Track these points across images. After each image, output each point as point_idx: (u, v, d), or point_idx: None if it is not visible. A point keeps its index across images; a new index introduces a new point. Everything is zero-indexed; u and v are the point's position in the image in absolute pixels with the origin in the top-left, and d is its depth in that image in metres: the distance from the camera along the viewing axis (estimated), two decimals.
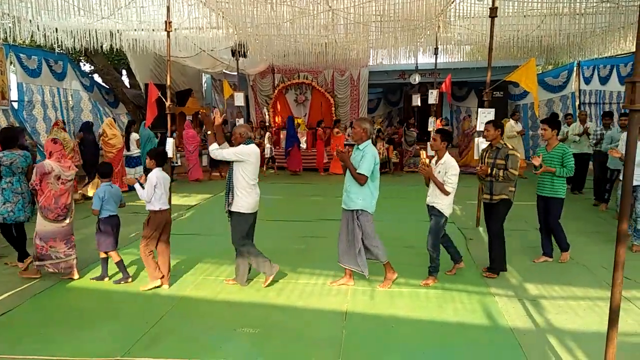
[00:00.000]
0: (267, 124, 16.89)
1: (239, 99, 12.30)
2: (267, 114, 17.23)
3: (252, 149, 5.07)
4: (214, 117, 5.15)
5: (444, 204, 5.15)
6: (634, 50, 2.75)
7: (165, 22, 7.77)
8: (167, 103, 8.11)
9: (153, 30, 9.89)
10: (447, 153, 5.22)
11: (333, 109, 17.64)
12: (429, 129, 12.45)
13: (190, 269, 5.79)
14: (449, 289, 5.11)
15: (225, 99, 13.34)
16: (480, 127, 7.47)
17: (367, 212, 5.00)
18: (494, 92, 15.68)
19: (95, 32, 9.80)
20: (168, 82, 8.32)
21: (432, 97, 11.94)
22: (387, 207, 9.23)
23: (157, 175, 5.16)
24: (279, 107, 18.21)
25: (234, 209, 5.07)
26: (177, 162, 12.01)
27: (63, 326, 4.35)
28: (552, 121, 5.89)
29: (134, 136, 11.38)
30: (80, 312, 4.66)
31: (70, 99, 12.67)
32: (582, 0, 8.32)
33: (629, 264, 5.64)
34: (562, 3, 8.65)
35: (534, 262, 5.93)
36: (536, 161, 5.80)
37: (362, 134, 4.98)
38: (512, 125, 12.65)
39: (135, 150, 11.27)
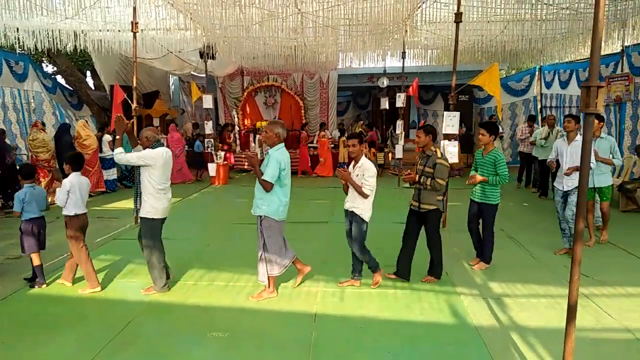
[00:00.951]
0: (237, 127, 16.80)
1: (208, 102, 12.22)
2: (236, 116, 17.13)
3: (159, 153, 4.93)
4: (128, 123, 5.18)
5: (364, 209, 5.02)
6: None
7: (132, 22, 7.70)
8: (134, 105, 8.03)
9: (119, 31, 9.76)
10: (364, 156, 5.12)
11: (302, 111, 17.66)
12: (396, 132, 12.63)
13: None
14: (417, 289, 5.20)
15: (193, 101, 13.22)
16: (445, 129, 7.63)
17: (271, 218, 4.82)
18: (460, 96, 16.01)
19: (59, 32, 9.60)
20: (134, 84, 8.22)
21: (400, 100, 12.11)
22: None
23: (72, 180, 5.10)
24: (248, 109, 18.13)
25: (141, 214, 4.99)
26: None
27: (26, 333, 4.24)
28: (490, 126, 5.70)
29: (107, 138, 11.35)
30: (45, 319, 4.55)
31: (32, 101, 12.32)
32: (543, 6, 8.60)
33: (587, 262, 5.89)
34: (525, 9, 8.94)
35: (473, 268, 5.84)
36: (474, 179, 5.71)
37: (273, 138, 4.83)
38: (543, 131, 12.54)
39: (108, 152, 11.20)
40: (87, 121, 12.00)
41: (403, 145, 12.51)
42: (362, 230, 5.09)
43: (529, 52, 12.58)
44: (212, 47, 11.45)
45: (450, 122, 7.58)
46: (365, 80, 18.48)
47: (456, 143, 7.68)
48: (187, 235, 7.63)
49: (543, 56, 13.21)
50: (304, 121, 16.75)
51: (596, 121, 6.46)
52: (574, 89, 12.99)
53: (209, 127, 12.60)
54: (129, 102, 8.05)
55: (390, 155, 14.88)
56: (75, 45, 10.26)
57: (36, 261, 5.23)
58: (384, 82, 15.43)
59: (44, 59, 16.81)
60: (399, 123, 12.46)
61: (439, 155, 5.17)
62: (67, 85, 14.96)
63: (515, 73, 18.22)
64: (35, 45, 9.66)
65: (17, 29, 9.09)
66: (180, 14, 8.93)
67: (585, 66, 12.16)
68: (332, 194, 10.92)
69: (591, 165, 5.62)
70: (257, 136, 14.46)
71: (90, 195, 5.63)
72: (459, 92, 7.79)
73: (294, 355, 3.86)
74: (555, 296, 4.98)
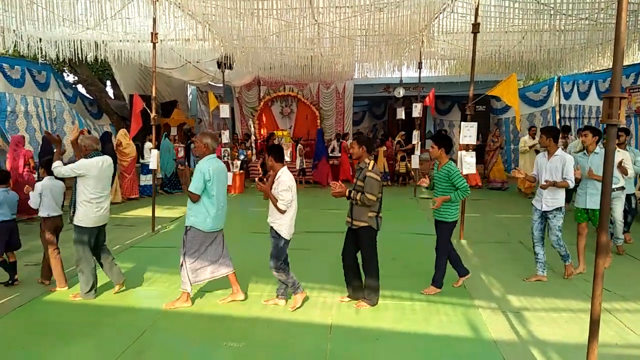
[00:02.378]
0: (254, 136, 16.91)
1: (225, 111, 12.32)
2: (252, 126, 17.24)
3: (92, 163, 5.00)
4: (74, 132, 5.20)
5: (281, 224, 4.80)
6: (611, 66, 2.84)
7: (152, 33, 7.82)
8: (152, 114, 8.12)
9: (139, 41, 9.91)
10: (284, 167, 4.86)
11: (318, 121, 17.72)
12: (413, 142, 12.58)
13: (173, 282, 5.73)
14: (434, 302, 5.13)
15: (211, 111, 13.33)
16: (462, 140, 7.57)
17: (197, 229, 4.83)
18: (477, 106, 15.90)
19: (80, 42, 9.77)
20: (153, 94, 8.33)
21: (416, 110, 12.07)
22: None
23: (44, 183, 5.33)
24: (264, 119, 18.24)
25: (74, 222, 5.06)
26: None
27: (45, 341, 4.27)
28: (440, 139, 5.36)
29: (148, 145, 11.91)
30: (62, 326, 4.58)
31: (53, 109, 12.55)
32: (561, 17, 8.52)
33: (609, 277, 5.77)
34: (543, 20, 8.86)
35: (421, 292, 5.38)
36: (424, 183, 5.47)
37: (202, 148, 4.85)
38: (525, 141, 12.25)
39: (147, 159, 11.64)
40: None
41: (419, 156, 12.46)
42: (279, 246, 4.85)
43: (547, 62, 12.45)
44: (230, 58, 11.58)
45: (467, 133, 7.51)
46: (382, 90, 18.47)
47: (473, 154, 7.61)
48: None
49: (561, 67, 13.05)
50: (345, 131, 17.23)
51: (590, 135, 6.01)
52: (593, 100, 12.81)
53: (225, 137, 12.69)
54: (148, 111, 8.15)
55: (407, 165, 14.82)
56: (96, 56, 10.43)
57: (10, 259, 5.57)
58: (400, 92, 15.40)
59: (65, 68, 17.13)
60: (415, 133, 12.41)
61: (371, 167, 4.73)
62: (87, 95, 15.22)
63: (534, 83, 18.05)
64: (57, 55, 9.84)
65: (40, 39, 9.27)
66: (198, 25, 9.04)
67: (605, 77, 12.01)
68: (348, 203, 10.86)
69: (568, 182, 5.38)
70: (299, 145, 14.49)
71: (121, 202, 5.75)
72: (476, 102, 7.73)
73: None
74: (576, 310, 4.87)
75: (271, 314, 4.83)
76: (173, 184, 12.98)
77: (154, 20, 7.66)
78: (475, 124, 7.58)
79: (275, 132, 16.48)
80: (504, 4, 8.21)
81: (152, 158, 8.22)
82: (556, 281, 5.78)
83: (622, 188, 6.46)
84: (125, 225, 8.59)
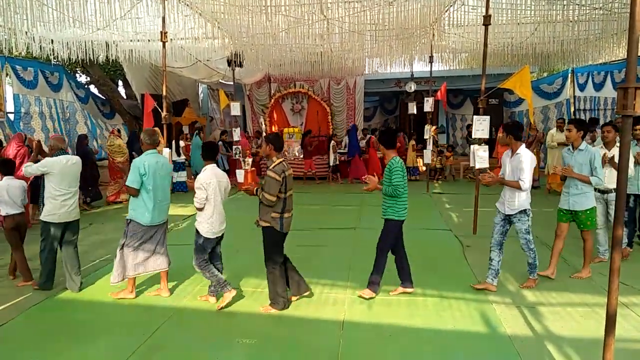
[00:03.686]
0: (264, 133, 16.91)
1: (236, 109, 12.33)
2: (263, 123, 17.26)
3: (55, 161, 5.26)
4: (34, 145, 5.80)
5: (200, 222, 4.88)
6: None
7: (161, 32, 7.84)
8: (163, 113, 8.16)
9: (149, 40, 9.95)
10: (208, 165, 4.93)
11: (329, 117, 17.67)
12: (425, 137, 12.49)
13: (187, 279, 5.76)
14: (447, 297, 5.09)
15: (221, 109, 13.37)
16: (475, 134, 7.50)
17: (136, 222, 5.00)
18: (490, 100, 15.70)
19: (91, 43, 9.85)
20: (164, 93, 8.36)
21: (428, 105, 11.98)
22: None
23: (1, 184, 5.64)
24: (275, 116, 18.24)
25: (41, 217, 5.32)
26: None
27: (59, 339, 4.32)
28: (385, 135, 5.12)
29: (181, 143, 12.74)
30: (77, 324, 4.63)
31: (66, 110, 12.68)
32: (574, 7, 8.38)
33: (626, 271, 5.67)
34: (555, 10, 8.73)
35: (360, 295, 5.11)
36: (369, 180, 5.08)
37: (142, 144, 5.16)
38: (552, 134, 11.10)
39: (182, 157, 12.63)
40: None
41: (432, 151, 12.38)
42: (198, 243, 4.91)
43: (560, 54, 12.26)
44: (240, 55, 11.58)
45: (480, 127, 7.43)
46: (393, 85, 18.37)
47: (486, 147, 7.52)
48: None
49: (576, 58, 12.85)
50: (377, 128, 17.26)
51: (574, 129, 5.35)
52: (608, 91, 12.63)
53: (236, 135, 12.71)
54: (159, 110, 8.19)
55: (420, 160, 14.72)
56: (107, 56, 10.51)
57: None
58: (412, 87, 15.29)
59: (77, 69, 17.29)
60: (427, 128, 12.32)
61: (272, 166, 4.62)
62: (99, 95, 15.35)
63: (548, 75, 17.83)
64: (69, 56, 9.94)
65: (52, 40, 9.36)
66: (208, 23, 9.05)
67: (621, 67, 11.81)
68: (360, 199, 10.85)
69: (520, 183, 4.90)
70: (331, 142, 14.47)
71: None
72: (488, 95, 7.64)
73: None
74: (591, 304, 4.80)
75: (283, 311, 4.82)
76: None
77: (163, 19, 7.68)
78: (488, 117, 7.49)
79: (285, 129, 16.47)
80: None
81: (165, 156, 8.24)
82: (571, 275, 5.69)
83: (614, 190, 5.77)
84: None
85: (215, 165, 5.03)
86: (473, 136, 7.64)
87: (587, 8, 8.53)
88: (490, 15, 7.33)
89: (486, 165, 7.51)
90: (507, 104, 17.93)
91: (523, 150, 5.05)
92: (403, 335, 4.27)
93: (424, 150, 12.54)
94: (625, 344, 3.95)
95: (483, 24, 7.40)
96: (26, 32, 8.57)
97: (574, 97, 14.81)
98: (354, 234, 7.92)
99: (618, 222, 2.84)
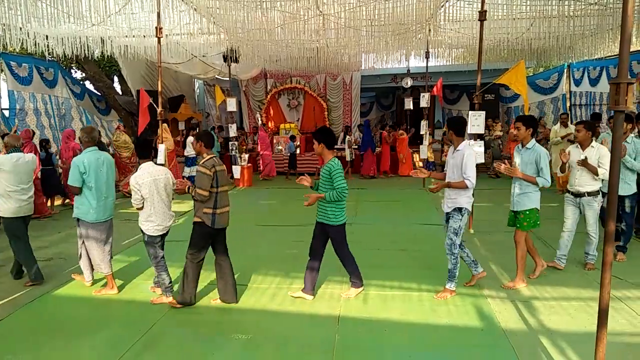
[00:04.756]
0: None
1: (232, 105, 12.31)
2: (260, 119, 17.24)
3: (7, 158, 5.40)
4: None
5: (141, 221, 4.94)
6: None
7: (156, 28, 7.81)
8: (159, 109, 8.14)
9: (144, 36, 9.90)
10: (143, 164, 4.90)
11: (326, 113, 17.68)
12: (421, 132, 12.50)
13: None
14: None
15: (217, 104, 13.35)
16: (470, 129, 7.50)
17: (83, 220, 5.07)
18: (486, 95, 15.78)
19: (86, 39, 9.80)
20: (159, 89, 8.34)
21: (424, 100, 11.98)
22: (381, 211, 9.28)
23: None
24: (271, 112, 18.23)
25: (1, 214, 5.45)
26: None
27: (55, 335, 4.32)
28: (319, 134, 4.90)
29: (190, 139, 12.59)
30: (73, 321, 4.64)
31: (61, 106, 12.64)
32: (570, 3, 8.38)
33: (621, 265, 5.71)
34: (551, 6, 8.73)
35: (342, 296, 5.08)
36: (306, 182, 4.94)
37: (81, 142, 5.27)
38: (555, 130, 10.66)
39: (191, 152, 12.53)
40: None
41: (432, 145, 12.40)
42: (144, 240, 5.03)
43: (556, 49, 12.27)
44: (235, 51, 11.56)
45: (475, 122, 7.43)
46: (389, 80, 18.37)
47: (482, 143, 7.54)
48: None
49: (572, 53, 12.86)
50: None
51: (522, 126, 5.07)
52: (604, 86, 12.64)
53: (232, 130, 12.70)
54: (155, 106, 8.17)
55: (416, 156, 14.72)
56: (102, 52, 10.47)
57: None
58: (408, 83, 15.30)
59: (72, 65, 17.23)
60: (424, 123, 12.32)
61: (202, 162, 4.66)
62: (95, 91, 15.29)
63: (544, 71, 17.85)
64: (64, 52, 9.89)
65: (47, 36, 9.31)
66: (203, 18, 9.01)
67: (616, 63, 11.79)
68: (356, 195, 10.86)
69: (466, 181, 4.62)
70: (347, 137, 14.46)
71: None
72: (484, 91, 7.64)
73: (317, 358, 3.84)
74: (586, 299, 4.83)
75: (279, 307, 4.84)
76: None
77: (158, 14, 7.64)
78: (483, 112, 7.49)
79: (282, 125, 16.47)
80: None
81: (160, 153, 8.23)
82: (566, 269, 5.71)
83: (597, 193, 5.45)
84: (134, 220, 8.62)
85: (151, 163, 5.00)
86: (469, 132, 7.63)
87: (583, 3, 8.53)
88: (485, 11, 7.32)
89: (482, 160, 7.53)
90: (503, 99, 17.96)
91: (464, 147, 4.82)
92: (398, 330, 4.28)
93: (420, 146, 12.55)
94: (618, 338, 3.98)
95: (478, 20, 7.39)
96: (20, 28, 8.53)
97: (570, 92, 14.85)
98: (350, 229, 7.91)
99: (610, 216, 2.85)
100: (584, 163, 5.38)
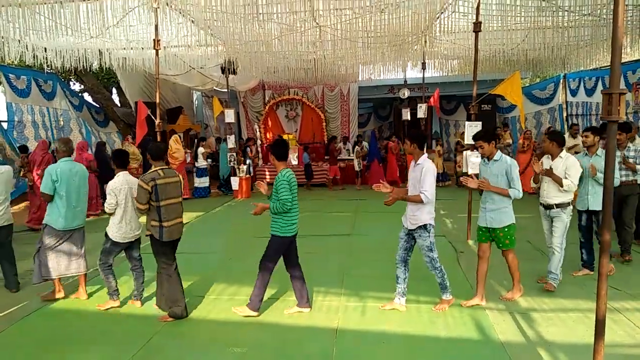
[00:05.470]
0: (259, 140, 16.93)
1: (230, 116, 12.36)
2: (258, 130, 17.29)
3: None
4: None
5: (109, 225, 5.07)
6: None
7: (154, 40, 7.85)
8: (157, 121, 8.15)
9: (142, 48, 9.95)
10: (120, 173, 5.06)
11: (324, 124, 17.73)
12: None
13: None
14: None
15: (215, 116, 13.40)
16: (468, 140, 7.53)
17: (50, 227, 5.18)
18: (483, 105, 15.81)
19: (85, 51, 9.84)
20: (157, 100, 8.36)
21: (421, 111, 12.05)
22: (380, 221, 9.27)
23: None
24: (270, 123, 18.28)
25: None
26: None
27: (52, 349, 4.30)
28: (275, 147, 4.83)
29: (201, 150, 13.07)
30: (70, 334, 4.61)
31: (60, 119, 12.65)
32: (564, 14, 8.45)
33: (619, 276, 5.68)
34: (545, 17, 8.79)
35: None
36: (262, 189, 4.96)
37: (56, 152, 5.37)
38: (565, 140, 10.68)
39: (202, 163, 13.00)
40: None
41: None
42: (105, 245, 5.11)
43: (552, 60, 12.35)
44: (233, 62, 11.61)
45: (471, 132, 7.45)
46: (386, 91, 18.45)
47: (478, 153, 7.54)
48: (211, 249, 7.68)
49: (567, 64, 12.94)
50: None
51: (485, 144, 4.91)
52: (599, 97, 12.67)
53: (231, 142, 12.72)
54: (153, 118, 8.20)
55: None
56: (101, 64, 10.51)
57: None
58: (405, 93, 15.38)
59: (71, 77, 17.27)
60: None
61: (145, 174, 4.72)
62: (93, 103, 15.32)
63: (540, 81, 17.95)
64: (63, 65, 9.92)
65: (45, 49, 9.34)
66: (201, 30, 9.07)
67: None
68: (355, 206, 10.86)
69: (422, 196, 4.51)
70: (356, 148, 14.49)
71: None
72: (481, 101, 7.68)
73: None
74: (584, 310, 4.81)
75: (276, 319, 4.82)
76: (230, 186, 13.30)
77: (156, 27, 7.69)
78: (480, 123, 7.53)
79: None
80: (506, 1, 8.14)
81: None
82: (564, 281, 5.68)
83: (567, 204, 5.28)
84: None
85: (127, 172, 5.16)
86: (465, 142, 7.66)
87: (577, 14, 8.60)
88: (480, 22, 7.39)
89: (477, 171, 7.52)
90: (500, 109, 18.03)
91: (424, 160, 4.72)
92: (397, 343, 4.26)
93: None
94: (616, 349, 3.96)
95: (473, 31, 7.46)
96: (19, 41, 8.56)
97: (566, 102, 14.91)
98: (348, 241, 7.92)
99: (605, 226, 2.86)
100: (547, 173, 5.26)
